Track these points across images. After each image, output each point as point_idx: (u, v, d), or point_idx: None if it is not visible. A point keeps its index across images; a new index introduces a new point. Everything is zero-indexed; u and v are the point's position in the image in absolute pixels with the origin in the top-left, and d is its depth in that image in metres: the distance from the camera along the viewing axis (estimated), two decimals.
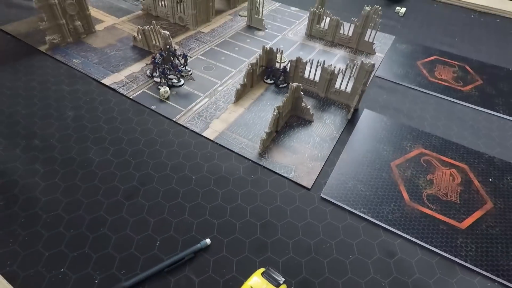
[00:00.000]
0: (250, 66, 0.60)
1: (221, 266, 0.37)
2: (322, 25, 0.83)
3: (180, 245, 0.39)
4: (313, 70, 0.63)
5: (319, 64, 0.61)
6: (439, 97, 0.68)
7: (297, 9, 0.98)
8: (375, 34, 0.77)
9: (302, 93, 0.55)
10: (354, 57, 0.78)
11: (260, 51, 0.63)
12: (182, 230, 0.41)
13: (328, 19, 0.81)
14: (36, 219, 0.40)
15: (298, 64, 0.63)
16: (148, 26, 0.68)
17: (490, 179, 0.51)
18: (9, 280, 0.35)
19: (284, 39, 0.82)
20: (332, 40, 0.83)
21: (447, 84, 0.71)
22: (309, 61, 0.62)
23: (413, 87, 0.70)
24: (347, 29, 0.81)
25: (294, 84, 0.53)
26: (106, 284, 0.35)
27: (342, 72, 0.60)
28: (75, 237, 0.39)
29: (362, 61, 0.56)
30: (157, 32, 0.67)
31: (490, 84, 0.73)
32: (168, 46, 0.64)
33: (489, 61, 0.81)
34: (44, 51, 0.69)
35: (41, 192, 0.43)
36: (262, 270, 0.31)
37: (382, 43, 0.85)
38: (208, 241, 0.39)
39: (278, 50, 0.64)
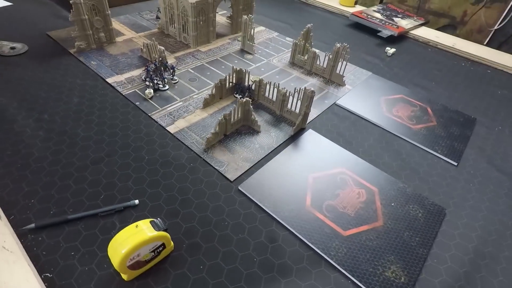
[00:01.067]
0: (219, 80, 0.74)
1: (140, 219, 0.50)
2: (306, 57, 0.95)
3: (117, 201, 0.52)
4: (272, 90, 0.75)
5: (275, 86, 0.73)
6: (386, 130, 0.76)
7: (292, 39, 1.11)
8: (345, 67, 0.87)
9: (251, 106, 0.67)
10: (324, 86, 0.89)
11: (230, 70, 0.77)
12: (123, 191, 0.54)
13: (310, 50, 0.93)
14: (27, 167, 0.56)
15: (260, 84, 0.76)
16: (150, 42, 0.85)
17: (393, 204, 0.58)
18: None
19: (268, 64, 0.96)
20: (310, 69, 0.94)
21: (399, 120, 0.79)
22: (268, 82, 0.74)
23: (365, 117, 0.78)
24: (323, 60, 0.92)
25: (244, 99, 0.66)
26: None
27: (291, 94, 0.71)
28: (47, 183, 0.54)
29: (305, 87, 0.67)
30: (155, 47, 0.83)
31: (443, 127, 0.79)
32: (161, 58, 0.80)
33: (455, 107, 0.87)
34: (72, 53, 0.88)
35: (37, 150, 0.60)
36: (152, 219, 0.43)
37: (356, 77, 0.94)
38: (136, 201, 0.52)
39: (246, 71, 0.77)
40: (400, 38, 1.21)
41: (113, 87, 0.78)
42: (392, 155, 0.69)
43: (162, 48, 0.81)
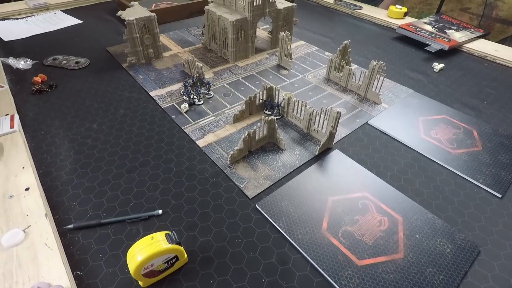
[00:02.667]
0: (248, 98, 0.77)
1: (161, 229, 0.53)
2: (342, 73, 0.94)
3: (144, 209, 0.57)
4: (300, 108, 0.75)
5: (302, 104, 0.73)
6: (421, 153, 0.71)
7: (331, 54, 1.10)
8: (381, 85, 0.84)
9: (277, 125, 0.69)
10: (358, 104, 0.86)
11: (261, 88, 0.79)
12: (150, 201, 0.59)
13: (347, 66, 0.92)
14: (74, 171, 0.64)
15: (289, 102, 0.77)
16: (190, 58, 0.91)
17: (417, 235, 0.55)
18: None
19: (302, 79, 0.96)
20: (345, 86, 0.92)
21: (437, 144, 0.74)
22: (296, 100, 0.75)
23: (398, 139, 0.75)
24: (359, 77, 0.89)
25: (269, 118, 0.67)
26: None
27: (318, 114, 0.71)
28: (88, 187, 0.61)
29: (331, 108, 0.66)
30: (194, 63, 0.89)
31: (489, 153, 0.72)
32: (198, 74, 0.86)
33: (508, 131, 0.78)
34: (124, 67, 0.98)
35: (84, 156, 0.68)
36: (167, 232, 0.46)
37: (395, 95, 0.90)
38: (160, 212, 0.56)
39: (276, 88, 0.78)
40: (452, 52, 1.12)
41: (154, 100, 0.85)
42: (424, 181, 0.65)
43: (200, 64, 0.86)
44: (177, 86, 0.91)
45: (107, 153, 0.69)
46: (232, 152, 0.66)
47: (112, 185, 0.62)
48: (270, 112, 0.81)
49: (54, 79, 0.92)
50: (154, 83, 0.92)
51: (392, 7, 1.35)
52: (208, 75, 0.95)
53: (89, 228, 0.53)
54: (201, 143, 0.72)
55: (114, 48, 1.09)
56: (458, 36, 1.16)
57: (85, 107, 0.82)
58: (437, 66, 1.03)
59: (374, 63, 0.82)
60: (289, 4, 1.07)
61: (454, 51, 1.13)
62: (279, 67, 1.02)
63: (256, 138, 0.68)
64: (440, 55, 1.10)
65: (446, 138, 0.75)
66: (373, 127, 0.78)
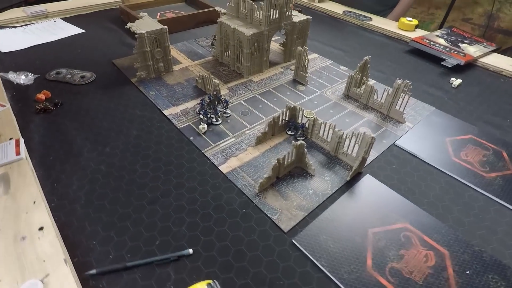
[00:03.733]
0: (272, 118, 0.73)
1: (194, 272, 0.49)
2: (361, 89, 0.91)
3: (172, 248, 0.52)
4: (326, 130, 0.72)
5: (330, 127, 0.70)
6: (454, 177, 0.68)
7: (346, 68, 1.07)
8: (405, 105, 0.81)
9: (306, 149, 0.65)
10: (382, 122, 0.83)
11: (282, 105, 0.75)
12: (177, 237, 0.54)
13: (366, 83, 0.89)
14: (90, 204, 0.59)
15: (315, 123, 0.73)
16: (206, 74, 0.86)
17: (468, 272, 0.51)
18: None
19: (321, 96, 0.93)
20: (366, 103, 0.89)
21: (469, 166, 0.71)
22: (323, 122, 0.71)
23: (429, 162, 0.72)
24: (380, 94, 0.86)
25: (299, 142, 0.63)
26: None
27: (349, 137, 0.67)
28: (107, 223, 0.56)
29: (364, 132, 0.63)
30: (210, 80, 0.84)
31: None
32: (215, 92, 0.81)
33: None
34: (133, 82, 0.93)
35: (99, 186, 0.62)
36: (209, 281, 0.42)
37: (417, 113, 0.87)
38: (190, 251, 0.51)
39: (300, 109, 0.75)
40: (467, 67, 1.11)
41: (169, 119, 0.80)
42: (463, 209, 0.62)
43: (217, 81, 0.81)
44: (192, 103, 0.86)
45: (124, 181, 0.64)
46: (261, 181, 0.62)
47: (134, 220, 0.57)
48: (293, 133, 0.77)
49: (59, 96, 0.86)
50: (167, 100, 0.87)
51: (403, 19, 1.34)
52: (223, 91, 0.91)
53: (113, 272, 0.48)
54: (224, 168, 0.67)
55: (121, 61, 1.04)
56: (472, 50, 1.15)
57: (95, 128, 0.77)
58: (455, 81, 1.01)
59: (399, 81, 0.79)
60: (304, 17, 1.04)
61: (469, 66, 1.12)
62: (295, 82, 0.99)
63: (285, 163, 0.64)
64: (455, 70, 1.08)
65: (477, 160, 0.73)
66: (401, 148, 0.75)
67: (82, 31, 1.23)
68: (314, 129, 0.74)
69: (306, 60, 0.94)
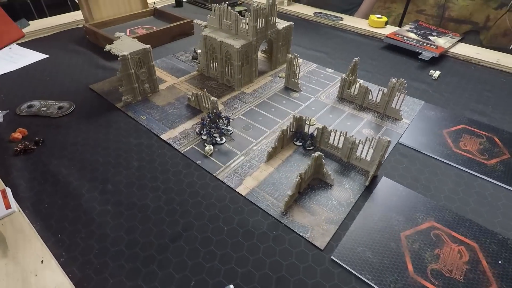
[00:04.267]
0: (281, 132, 0.71)
1: None
2: (352, 90, 0.92)
3: (210, 287, 0.48)
4: (337, 137, 0.71)
5: (342, 134, 0.69)
6: (461, 169, 0.71)
7: (332, 70, 1.09)
8: (401, 103, 0.84)
9: (323, 160, 0.64)
10: (381, 122, 0.85)
11: (291, 118, 0.74)
12: (212, 274, 0.50)
13: (358, 84, 0.90)
14: (105, 251, 0.53)
15: (324, 132, 0.72)
16: (200, 92, 0.82)
17: (500, 261, 0.53)
18: None
19: (317, 101, 0.93)
20: (361, 104, 0.91)
21: (471, 156, 0.75)
22: (334, 130, 0.71)
23: (435, 156, 0.74)
24: (375, 94, 0.88)
25: (316, 153, 0.62)
26: None
27: (362, 143, 0.68)
28: (131, 270, 0.50)
29: (379, 137, 0.64)
30: (207, 98, 0.81)
31: None
32: (215, 110, 0.78)
33: None
34: (120, 108, 0.86)
35: (110, 229, 0.56)
36: None
37: (410, 108, 0.91)
38: (231, 286, 0.48)
39: (306, 118, 0.74)
40: (440, 59, 1.17)
41: (169, 144, 0.75)
42: (477, 199, 0.65)
43: (215, 99, 0.78)
44: (189, 124, 0.82)
45: (137, 220, 0.58)
46: (286, 199, 0.60)
47: (160, 261, 0.52)
48: (301, 143, 0.76)
49: (38, 133, 0.78)
50: (162, 123, 0.82)
51: (372, 17, 1.39)
52: (219, 107, 0.87)
53: None
54: (242, 190, 0.64)
55: (100, 86, 0.96)
56: (442, 42, 1.22)
57: (88, 164, 0.70)
58: (434, 73, 1.07)
59: (394, 81, 0.82)
60: (287, 23, 1.03)
61: (442, 57, 1.19)
62: (287, 89, 0.98)
63: (305, 178, 0.63)
64: (431, 62, 1.14)
65: (475, 149, 0.77)
66: (407, 146, 0.77)
67: (45, 56, 1.12)
68: (323, 137, 0.73)
69: (298, 67, 0.93)
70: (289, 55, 0.92)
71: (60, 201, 0.61)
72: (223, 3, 0.94)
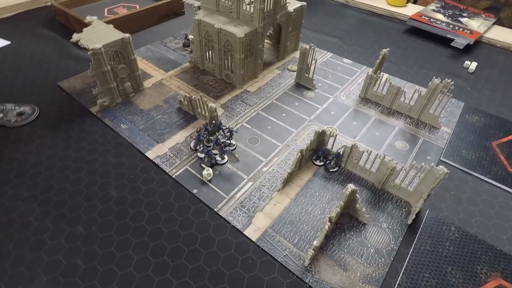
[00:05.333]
0: (299, 153, 0.56)
1: None
2: (377, 87, 0.76)
3: None
4: (370, 158, 0.57)
5: (378, 156, 0.55)
6: None
7: (350, 61, 0.92)
8: (443, 109, 0.68)
9: (358, 195, 0.49)
10: (416, 131, 0.70)
11: (307, 128, 0.58)
12: None
13: (384, 79, 0.74)
14: None
15: (353, 150, 0.57)
16: (195, 96, 0.66)
17: None
18: None
19: (336, 102, 0.77)
20: (390, 107, 0.75)
21: None
22: (367, 151, 0.56)
23: (487, 180, 0.60)
24: (408, 96, 0.73)
25: (350, 189, 0.48)
26: None
27: (405, 170, 0.53)
28: None
29: (433, 166, 0.49)
30: (203, 103, 0.64)
31: None
32: (214, 121, 0.62)
33: None
34: (95, 113, 0.69)
35: None
36: None
37: (448, 112, 0.75)
38: None
39: (332, 134, 0.58)
40: (474, 46, 1.01)
41: (157, 165, 0.60)
42: None
43: (214, 106, 0.62)
44: (182, 135, 0.66)
45: (116, 281, 0.44)
46: (311, 253, 0.45)
47: None
48: (322, 163, 0.61)
49: None
50: (147, 134, 0.65)
51: None
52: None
53: None
54: (252, 233, 0.50)
55: (70, 83, 0.78)
56: (476, 25, 1.05)
57: (53, 194, 0.54)
58: (470, 65, 0.91)
59: (437, 81, 0.66)
60: (298, 3, 0.85)
61: (475, 44, 1.02)
62: (299, 86, 0.81)
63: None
64: (464, 50, 0.98)
65: None
66: (451, 165, 0.63)
67: (7, 43, 0.92)
68: (352, 157, 0.58)
69: (315, 61, 0.76)
70: (303, 45, 0.74)
71: (15, 253, 0.47)
72: None
